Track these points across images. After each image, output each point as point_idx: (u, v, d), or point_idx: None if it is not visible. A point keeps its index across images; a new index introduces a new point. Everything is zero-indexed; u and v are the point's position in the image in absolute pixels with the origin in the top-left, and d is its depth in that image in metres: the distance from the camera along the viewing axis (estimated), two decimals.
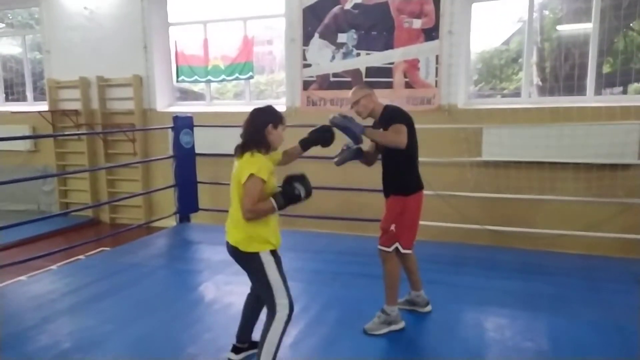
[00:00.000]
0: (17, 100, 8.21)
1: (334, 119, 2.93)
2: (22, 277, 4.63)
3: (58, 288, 3.99)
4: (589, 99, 5.07)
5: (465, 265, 4.41)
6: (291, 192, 2.49)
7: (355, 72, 5.76)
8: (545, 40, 5.61)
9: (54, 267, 4.92)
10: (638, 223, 4.60)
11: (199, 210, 6.01)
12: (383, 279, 3.14)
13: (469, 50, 5.55)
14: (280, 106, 6.07)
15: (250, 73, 6.45)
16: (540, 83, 5.60)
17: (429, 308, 3.41)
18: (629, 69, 5.15)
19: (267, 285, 2.50)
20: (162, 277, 4.34)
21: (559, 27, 5.51)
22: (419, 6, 5.40)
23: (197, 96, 7.29)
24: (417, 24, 5.44)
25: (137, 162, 6.85)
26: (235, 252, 2.55)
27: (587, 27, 5.10)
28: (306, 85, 6.02)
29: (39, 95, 8.00)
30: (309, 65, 5.98)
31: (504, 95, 5.72)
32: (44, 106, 7.51)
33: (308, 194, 2.53)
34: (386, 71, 5.64)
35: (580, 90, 5.16)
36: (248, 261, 2.53)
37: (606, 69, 5.22)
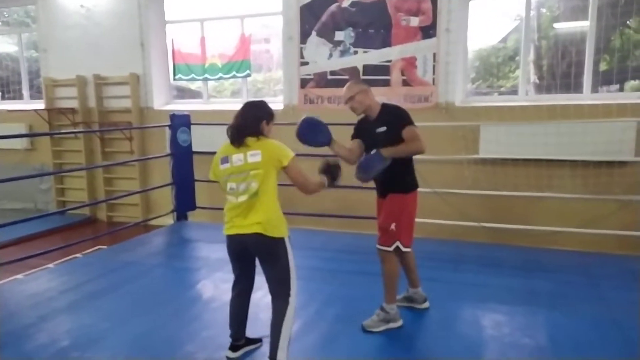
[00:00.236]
0: (14, 98, 8.19)
1: (361, 175, 2.98)
2: (19, 276, 4.61)
3: (55, 286, 3.98)
4: (586, 97, 5.09)
5: (463, 263, 4.41)
6: (337, 175, 2.81)
7: (353, 70, 5.76)
8: (542, 38, 5.62)
9: (51, 265, 4.91)
10: (635, 220, 4.62)
11: (196, 208, 6.00)
12: (382, 277, 3.13)
13: (466, 48, 5.55)
14: (278, 104, 6.07)
15: (248, 71, 6.44)
16: (537, 81, 5.61)
17: (426, 304, 3.41)
18: (626, 66, 5.17)
19: (288, 270, 2.58)
20: (160, 275, 4.34)
21: (556, 25, 5.52)
22: (417, 4, 5.40)
23: (195, 94, 7.27)
24: (415, 21, 5.44)
25: (135, 160, 6.83)
26: (259, 240, 2.53)
27: (584, 25, 5.12)
28: (303, 83, 6.02)
29: (35, 94, 7.97)
30: (306, 63, 5.98)
31: (501, 93, 5.73)
32: (40, 105, 7.49)
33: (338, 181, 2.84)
34: (384, 69, 5.64)
35: (577, 88, 5.18)
36: (274, 246, 2.56)
37: (603, 66, 5.23)
